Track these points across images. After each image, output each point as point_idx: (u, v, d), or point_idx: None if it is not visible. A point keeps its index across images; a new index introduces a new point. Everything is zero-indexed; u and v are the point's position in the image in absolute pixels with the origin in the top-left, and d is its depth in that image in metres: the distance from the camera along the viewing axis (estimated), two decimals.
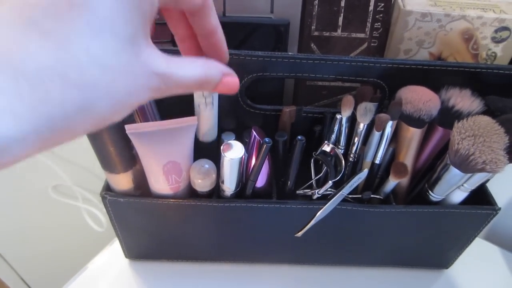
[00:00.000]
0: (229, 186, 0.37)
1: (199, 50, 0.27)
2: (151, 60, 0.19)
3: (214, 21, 0.24)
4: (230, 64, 0.34)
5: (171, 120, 0.32)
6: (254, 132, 0.35)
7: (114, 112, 0.19)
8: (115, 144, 0.34)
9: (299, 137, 0.34)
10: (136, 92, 0.19)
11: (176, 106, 0.33)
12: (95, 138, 0.34)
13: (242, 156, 0.33)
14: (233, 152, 0.33)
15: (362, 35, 0.39)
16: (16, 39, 0.16)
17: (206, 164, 0.36)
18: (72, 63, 0.16)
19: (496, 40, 0.37)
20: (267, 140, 0.33)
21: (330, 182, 0.36)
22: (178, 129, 0.33)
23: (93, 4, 0.17)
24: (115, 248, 0.49)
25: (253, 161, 0.36)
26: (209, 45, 0.26)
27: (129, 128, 0.32)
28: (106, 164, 0.36)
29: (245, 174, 0.38)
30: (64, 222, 0.82)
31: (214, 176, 0.36)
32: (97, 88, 0.17)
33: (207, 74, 0.22)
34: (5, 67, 0.15)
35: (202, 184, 0.36)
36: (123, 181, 0.38)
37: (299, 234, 0.41)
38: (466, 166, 0.32)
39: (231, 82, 0.24)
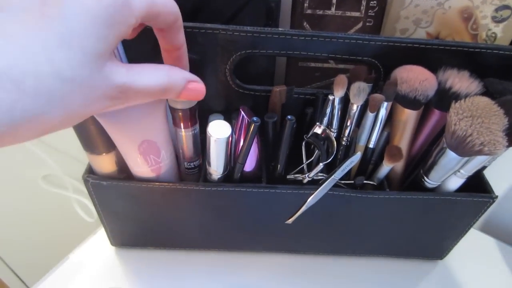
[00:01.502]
0: (216, 169, 0.35)
1: (183, 62, 0.27)
2: (111, 73, 0.19)
3: (181, 39, 0.25)
4: (218, 40, 0.33)
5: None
6: (242, 112, 0.33)
7: (66, 122, 0.19)
8: (94, 121, 0.32)
9: (288, 116, 0.33)
10: (92, 104, 0.19)
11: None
12: None
13: (229, 136, 0.32)
14: (220, 132, 0.32)
15: (357, 14, 0.38)
16: None
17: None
18: (31, 71, 0.16)
19: (496, 20, 0.35)
20: (255, 119, 0.31)
21: (321, 164, 0.34)
22: (146, 106, 0.31)
23: (68, 17, 0.17)
24: (100, 235, 0.47)
25: (242, 143, 0.34)
26: (171, 58, 0.26)
27: None
28: (88, 144, 0.35)
29: (233, 157, 0.36)
30: (54, 212, 0.81)
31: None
32: (52, 99, 0.17)
33: (170, 81, 0.22)
34: None
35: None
36: (106, 163, 0.36)
37: (290, 221, 0.40)
38: (463, 148, 0.31)
39: (196, 88, 0.24)
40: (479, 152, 0.30)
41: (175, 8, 0.23)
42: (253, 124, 0.31)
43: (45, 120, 0.17)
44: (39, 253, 0.85)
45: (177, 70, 0.23)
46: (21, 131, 0.16)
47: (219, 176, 0.36)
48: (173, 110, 0.35)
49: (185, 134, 0.37)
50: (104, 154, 0.35)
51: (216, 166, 0.35)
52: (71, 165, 0.70)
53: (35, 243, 0.86)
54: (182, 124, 0.35)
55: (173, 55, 0.26)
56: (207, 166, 0.35)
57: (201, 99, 0.26)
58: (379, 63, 0.35)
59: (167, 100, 0.34)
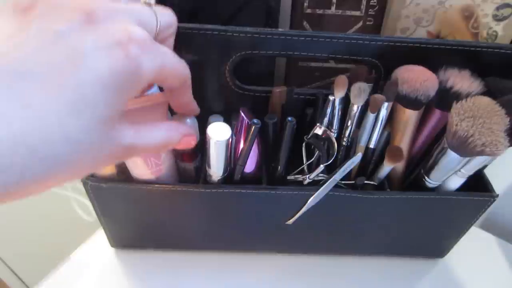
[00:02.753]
0: (216, 171, 0.35)
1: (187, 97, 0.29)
2: (119, 135, 0.20)
3: (188, 97, 0.27)
4: (217, 41, 0.33)
5: (138, 98, 0.30)
6: (242, 114, 0.33)
7: (71, 179, 0.19)
8: None
9: (289, 118, 0.32)
10: (98, 164, 0.20)
11: None
12: None
13: (229, 139, 0.31)
14: (220, 134, 0.31)
15: (357, 13, 0.37)
16: None
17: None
18: (44, 138, 0.16)
19: (497, 18, 0.35)
20: (255, 121, 0.31)
21: (321, 166, 0.34)
22: (148, 109, 0.31)
23: (82, 86, 0.17)
24: (100, 236, 0.47)
25: (242, 145, 0.34)
26: (177, 108, 0.29)
27: None
28: None
29: (233, 159, 0.36)
30: (54, 212, 0.81)
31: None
32: (61, 162, 0.17)
33: (168, 138, 0.24)
34: None
35: None
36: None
37: (290, 221, 0.39)
38: (465, 149, 0.31)
39: (188, 141, 0.26)
40: (481, 153, 0.30)
41: (184, 71, 0.24)
42: (253, 126, 0.31)
43: (52, 180, 0.18)
44: (39, 253, 0.85)
45: (176, 127, 0.25)
46: (28, 190, 0.17)
47: (219, 178, 0.36)
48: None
49: (187, 168, 0.38)
50: None
51: (216, 168, 0.35)
52: None
53: (35, 243, 0.86)
54: (183, 159, 0.37)
55: (182, 108, 0.29)
56: (206, 168, 0.35)
57: (190, 148, 0.29)
58: (379, 63, 0.35)
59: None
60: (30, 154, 0.16)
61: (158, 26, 0.23)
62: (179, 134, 0.25)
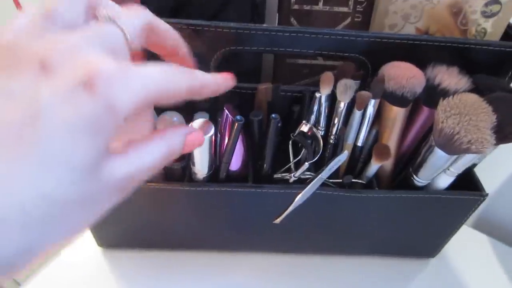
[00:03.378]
0: (200, 168, 0.34)
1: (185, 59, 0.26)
2: (111, 172, 0.18)
3: (175, 35, 0.24)
4: (201, 36, 0.31)
5: None
6: (226, 111, 0.33)
7: (65, 241, 0.17)
8: None
9: (273, 115, 0.32)
10: (93, 214, 0.18)
11: None
12: None
13: (212, 135, 0.31)
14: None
15: (345, 9, 0.37)
16: None
17: (175, 117, 0.34)
18: (15, 205, 0.15)
19: (486, 15, 0.35)
20: (238, 118, 0.30)
21: (306, 164, 0.34)
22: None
23: (46, 137, 0.15)
24: (88, 236, 0.46)
25: (226, 142, 0.33)
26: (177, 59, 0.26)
27: None
28: None
29: (218, 156, 0.35)
30: None
31: None
32: (46, 225, 0.15)
33: (169, 148, 0.21)
34: None
35: None
36: None
37: (278, 220, 0.39)
38: (451, 146, 0.30)
39: (195, 139, 0.23)
40: (467, 150, 0.30)
41: (179, 83, 0.20)
42: (236, 123, 0.30)
43: (41, 247, 0.16)
44: None
45: (174, 132, 0.22)
46: (16, 264, 0.15)
47: (204, 176, 0.35)
48: None
49: (174, 168, 0.37)
50: None
51: (201, 166, 0.34)
52: None
53: None
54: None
55: (174, 58, 0.25)
56: (191, 166, 0.35)
57: (202, 144, 0.25)
58: (367, 59, 0.35)
59: None
60: (3, 226, 0.14)
61: (128, 39, 0.20)
62: (180, 136, 0.22)
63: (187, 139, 0.22)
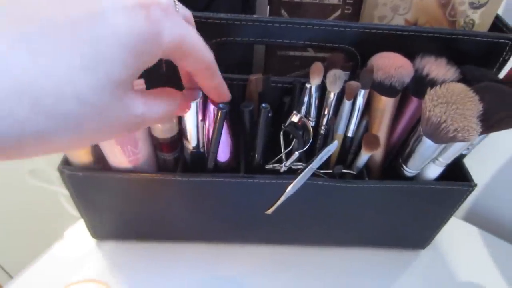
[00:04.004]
0: (189, 139, 0.35)
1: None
2: (131, 103, 0.19)
3: (218, 79, 0.26)
4: None
5: None
6: (209, 102, 0.32)
7: (74, 145, 0.18)
8: None
9: (263, 104, 0.32)
10: (106, 131, 0.19)
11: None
12: None
13: (199, 100, 0.31)
14: None
15: (335, 1, 0.37)
16: (0, 45, 0.14)
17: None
18: (51, 91, 0.15)
19: (474, 6, 0.35)
20: (221, 106, 0.30)
21: (296, 153, 0.34)
22: None
23: (98, 41, 0.16)
24: (82, 227, 0.47)
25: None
26: (212, 96, 0.29)
27: None
28: None
29: (206, 146, 0.35)
30: (42, 206, 0.80)
31: (174, 120, 0.35)
32: (67, 122, 0.16)
33: (169, 110, 0.24)
34: None
35: (162, 129, 0.34)
36: (81, 154, 0.36)
37: (270, 211, 0.39)
38: (438, 135, 0.31)
39: (186, 106, 0.28)
40: (453, 139, 0.30)
41: (207, 54, 0.23)
42: (219, 111, 0.30)
43: (53, 141, 0.16)
44: (27, 247, 0.84)
45: (173, 97, 0.24)
46: (27, 148, 0.16)
47: (193, 150, 0.35)
48: (154, 138, 0.36)
49: (167, 159, 0.38)
50: None
51: (189, 136, 0.34)
52: (57, 159, 0.70)
53: (22, 237, 0.85)
54: (163, 150, 0.37)
55: (210, 95, 0.29)
56: (184, 141, 0.35)
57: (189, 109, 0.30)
58: (356, 50, 0.35)
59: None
60: (34, 107, 0.15)
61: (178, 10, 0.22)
62: (176, 100, 0.25)
63: (181, 105, 0.25)
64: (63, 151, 0.18)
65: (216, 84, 0.27)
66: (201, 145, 0.35)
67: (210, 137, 0.33)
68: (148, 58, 0.19)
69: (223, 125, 0.31)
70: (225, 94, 0.29)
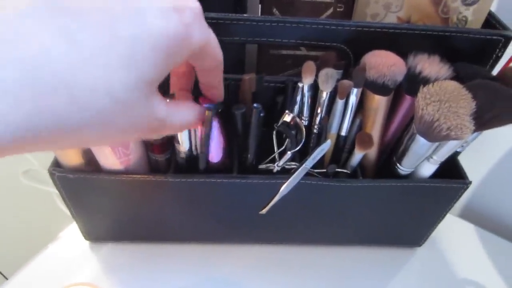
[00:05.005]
0: (181, 143, 0.34)
1: (189, 86, 0.30)
2: (156, 105, 0.20)
3: (220, 78, 0.27)
4: None
5: None
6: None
7: (98, 142, 0.18)
8: None
9: (255, 105, 0.32)
10: (131, 130, 0.19)
11: None
12: None
13: None
14: None
15: (327, 0, 0.37)
16: (42, 37, 0.14)
17: None
18: (87, 84, 0.15)
19: (466, 3, 0.35)
20: (207, 106, 0.30)
21: (289, 153, 0.34)
22: None
23: (134, 40, 0.17)
24: (74, 229, 0.46)
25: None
26: (209, 94, 0.29)
27: None
28: None
29: (196, 147, 0.35)
30: (36, 207, 0.80)
31: None
32: (98, 117, 0.16)
33: (190, 121, 0.25)
34: (16, 61, 0.14)
35: None
36: (72, 155, 0.36)
37: (264, 211, 0.39)
38: (431, 133, 0.31)
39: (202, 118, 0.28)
40: (447, 137, 0.30)
41: (220, 53, 0.25)
42: (206, 111, 0.30)
43: (80, 134, 0.17)
44: (21, 248, 0.84)
45: (195, 109, 0.26)
46: (54, 139, 0.16)
47: (185, 152, 0.35)
48: (145, 140, 0.36)
49: (158, 160, 0.37)
50: None
51: (180, 140, 0.34)
52: (51, 159, 0.69)
53: (17, 238, 0.85)
54: (154, 151, 0.37)
55: (208, 93, 0.29)
56: (176, 145, 0.35)
57: None
58: (348, 49, 0.35)
59: None
60: (69, 97, 0.15)
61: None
62: (198, 115, 0.26)
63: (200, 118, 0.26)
64: (84, 146, 0.18)
65: (218, 82, 0.28)
66: (193, 147, 0.35)
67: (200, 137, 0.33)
68: (177, 60, 0.19)
69: (211, 125, 0.31)
70: (222, 94, 0.30)
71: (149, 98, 0.19)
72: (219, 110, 0.31)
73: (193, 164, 0.36)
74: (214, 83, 0.28)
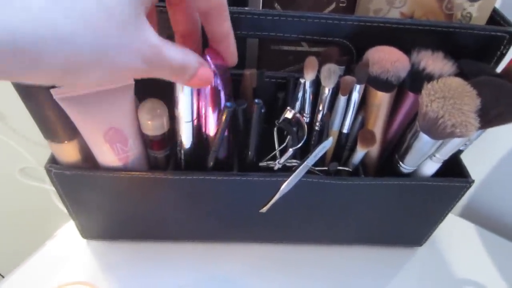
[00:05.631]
0: (181, 113, 0.33)
1: (197, 48, 0.27)
2: (147, 29, 0.19)
3: (227, 25, 0.25)
4: None
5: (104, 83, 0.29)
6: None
7: (88, 66, 0.17)
8: (53, 106, 0.30)
9: (256, 100, 0.31)
10: (125, 52, 0.18)
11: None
12: (30, 99, 0.30)
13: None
14: None
15: None
16: None
17: (155, 103, 0.33)
18: None
19: None
20: (228, 105, 0.29)
21: (290, 150, 0.33)
22: (112, 91, 0.30)
23: None
24: (71, 227, 0.46)
25: (210, 107, 0.31)
26: (219, 48, 0.27)
27: (56, 93, 0.28)
28: (47, 131, 0.33)
29: (198, 133, 0.34)
30: (33, 205, 0.79)
31: (164, 117, 0.33)
32: (85, 22, 0.16)
33: (186, 59, 0.22)
34: None
35: (152, 126, 0.33)
36: (69, 152, 0.35)
37: (264, 209, 0.39)
38: (435, 131, 0.30)
39: (205, 74, 0.24)
40: (451, 134, 0.29)
41: None
42: (226, 110, 0.29)
43: (71, 45, 0.16)
44: (18, 246, 0.83)
45: (193, 53, 0.23)
46: (45, 53, 0.15)
47: (187, 121, 0.33)
48: (144, 136, 0.35)
49: (158, 157, 0.37)
50: (66, 142, 0.34)
51: (180, 109, 0.32)
52: (47, 157, 0.69)
53: (13, 236, 0.84)
54: (153, 147, 0.36)
55: (222, 45, 0.26)
56: (175, 111, 0.33)
57: (209, 85, 0.27)
58: (351, 44, 0.34)
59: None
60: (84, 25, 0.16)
61: None
62: (197, 60, 0.23)
63: (201, 70, 0.23)
64: (74, 77, 0.17)
65: (227, 31, 0.26)
66: (194, 117, 0.33)
67: (203, 113, 0.32)
68: None
69: (228, 124, 0.30)
70: (234, 50, 0.27)
71: (139, 19, 0.18)
72: (244, 107, 0.30)
73: (196, 159, 0.35)
74: (223, 31, 0.25)
